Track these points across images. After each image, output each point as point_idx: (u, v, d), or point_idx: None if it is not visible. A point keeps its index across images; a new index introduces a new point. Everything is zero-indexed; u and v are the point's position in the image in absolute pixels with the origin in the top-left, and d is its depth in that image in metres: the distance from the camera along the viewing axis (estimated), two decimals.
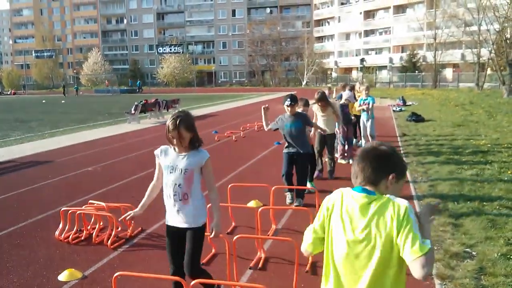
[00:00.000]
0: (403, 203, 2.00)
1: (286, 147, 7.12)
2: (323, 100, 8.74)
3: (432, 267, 1.92)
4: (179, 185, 3.69)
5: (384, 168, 2.08)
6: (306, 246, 2.29)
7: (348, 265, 2.06)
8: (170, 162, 3.72)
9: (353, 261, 2.05)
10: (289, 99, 6.85)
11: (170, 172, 3.71)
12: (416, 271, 1.90)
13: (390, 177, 2.08)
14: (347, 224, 2.06)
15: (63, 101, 43.43)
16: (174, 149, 3.71)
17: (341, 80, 64.32)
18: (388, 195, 2.07)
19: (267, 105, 7.05)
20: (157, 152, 3.79)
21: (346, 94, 10.73)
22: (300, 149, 6.96)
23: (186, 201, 3.72)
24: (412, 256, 1.90)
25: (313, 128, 8.09)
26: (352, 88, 11.66)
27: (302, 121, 7.01)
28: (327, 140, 8.92)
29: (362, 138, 11.74)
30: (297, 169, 7.02)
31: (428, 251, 1.89)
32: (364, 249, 2.00)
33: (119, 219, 4.23)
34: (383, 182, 2.08)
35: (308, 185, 7.60)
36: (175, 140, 3.57)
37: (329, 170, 8.94)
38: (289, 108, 6.88)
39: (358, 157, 2.14)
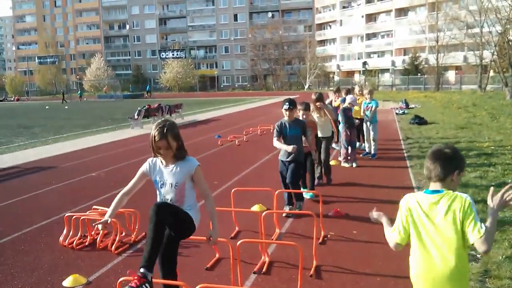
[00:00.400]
0: (467, 198, 2.62)
1: (282, 155, 6.84)
2: (321, 101, 8.51)
3: (490, 245, 2.52)
4: (170, 200, 3.59)
5: (450, 166, 2.70)
6: (395, 241, 2.86)
7: (432, 245, 2.67)
8: (159, 177, 3.61)
9: (434, 242, 2.67)
10: (287, 103, 6.57)
11: (161, 187, 3.62)
12: (478, 247, 2.54)
13: (455, 173, 2.70)
14: (426, 216, 2.70)
15: (66, 107, 43.59)
16: (161, 162, 3.59)
17: (344, 83, 64.48)
18: (454, 191, 2.69)
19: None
20: (145, 166, 3.68)
21: (349, 97, 10.56)
22: (295, 157, 6.62)
23: None
24: (474, 238, 2.53)
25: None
26: (348, 92, 11.62)
27: (301, 128, 6.73)
28: (323, 144, 8.73)
29: (365, 141, 11.73)
30: (288, 173, 6.68)
31: (484, 234, 2.51)
32: (442, 233, 2.64)
33: (93, 224, 4.09)
34: (449, 177, 2.70)
35: (307, 196, 7.45)
36: (162, 150, 3.45)
37: (327, 175, 8.75)
38: (287, 113, 6.58)
39: (429, 158, 2.78)
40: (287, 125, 6.67)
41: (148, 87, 72.30)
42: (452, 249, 2.62)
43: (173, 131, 3.46)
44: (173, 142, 3.45)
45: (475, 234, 2.53)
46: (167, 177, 3.55)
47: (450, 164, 2.70)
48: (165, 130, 3.40)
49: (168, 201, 3.56)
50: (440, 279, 2.66)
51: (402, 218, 2.80)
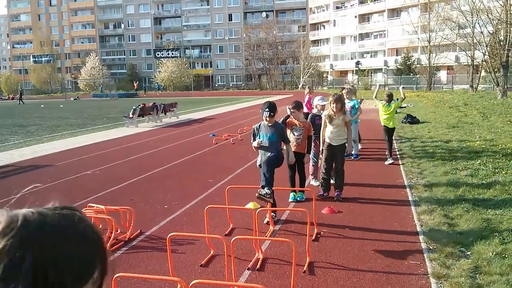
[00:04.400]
0: (396, 101, 11.53)
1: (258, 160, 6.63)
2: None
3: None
4: None
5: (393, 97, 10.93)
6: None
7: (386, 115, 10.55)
8: None
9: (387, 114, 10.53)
10: (267, 109, 6.29)
11: None
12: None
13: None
14: (383, 110, 10.55)
15: (61, 106, 43.45)
16: None
17: (337, 83, 64.69)
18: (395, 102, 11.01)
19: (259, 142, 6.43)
20: None
21: (317, 99, 9.11)
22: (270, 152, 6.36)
23: None
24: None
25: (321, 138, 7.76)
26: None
27: (278, 134, 6.45)
28: (338, 153, 7.66)
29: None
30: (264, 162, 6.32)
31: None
32: (389, 111, 10.44)
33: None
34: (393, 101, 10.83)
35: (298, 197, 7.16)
36: None
37: (324, 188, 7.65)
38: (267, 118, 6.34)
39: (387, 95, 10.79)
40: (265, 130, 6.47)
41: (159, 85, 76.82)
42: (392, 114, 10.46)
43: None
44: None
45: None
46: None
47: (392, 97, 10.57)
48: None
49: None
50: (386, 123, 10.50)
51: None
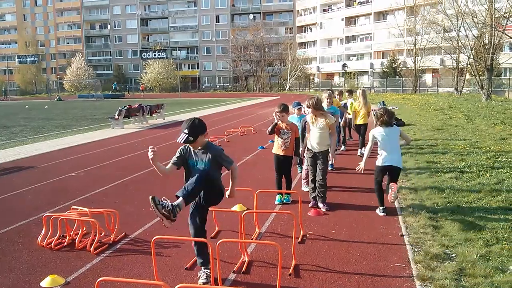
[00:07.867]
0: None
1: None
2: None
3: None
4: None
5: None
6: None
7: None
8: None
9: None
10: (186, 132, 4.38)
11: None
12: None
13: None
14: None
15: (46, 107, 42.96)
16: None
17: (324, 85, 64.98)
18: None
19: (154, 149, 4.44)
20: None
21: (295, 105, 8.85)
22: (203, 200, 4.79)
23: None
24: None
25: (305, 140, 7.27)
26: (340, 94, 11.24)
27: (213, 161, 4.69)
28: (320, 161, 7.14)
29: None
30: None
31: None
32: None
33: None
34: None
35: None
36: None
37: (314, 197, 7.22)
38: (186, 144, 4.53)
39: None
40: (195, 155, 4.67)
41: (114, 85, 76.70)
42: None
43: None
44: None
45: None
46: None
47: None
48: None
49: None
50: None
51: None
